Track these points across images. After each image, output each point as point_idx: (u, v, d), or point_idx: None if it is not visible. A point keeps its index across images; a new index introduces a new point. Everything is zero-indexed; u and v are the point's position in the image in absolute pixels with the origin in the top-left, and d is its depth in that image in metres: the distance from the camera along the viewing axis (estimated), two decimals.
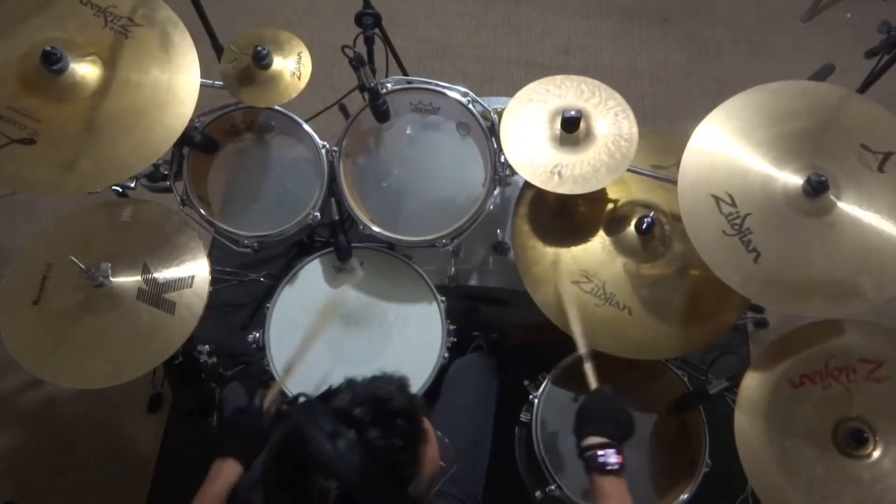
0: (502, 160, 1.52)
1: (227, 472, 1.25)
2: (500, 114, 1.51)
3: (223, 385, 1.81)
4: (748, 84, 1.34)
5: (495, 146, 1.55)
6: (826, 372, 1.31)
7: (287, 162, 1.70)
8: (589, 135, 1.44)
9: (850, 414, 1.28)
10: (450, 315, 1.63)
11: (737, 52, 2.77)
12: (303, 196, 1.62)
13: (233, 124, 1.66)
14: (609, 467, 1.15)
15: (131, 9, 1.39)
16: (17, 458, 2.16)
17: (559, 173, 1.41)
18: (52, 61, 1.30)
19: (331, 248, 1.66)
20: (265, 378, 1.58)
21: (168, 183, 1.62)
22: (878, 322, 1.34)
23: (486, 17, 2.84)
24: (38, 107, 1.32)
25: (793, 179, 1.27)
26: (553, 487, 1.50)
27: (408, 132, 1.67)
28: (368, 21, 1.72)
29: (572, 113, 1.40)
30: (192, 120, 1.47)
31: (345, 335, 1.62)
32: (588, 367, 1.31)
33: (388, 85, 1.58)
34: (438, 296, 1.64)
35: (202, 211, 1.61)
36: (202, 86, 1.39)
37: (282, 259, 2.27)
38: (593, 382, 1.30)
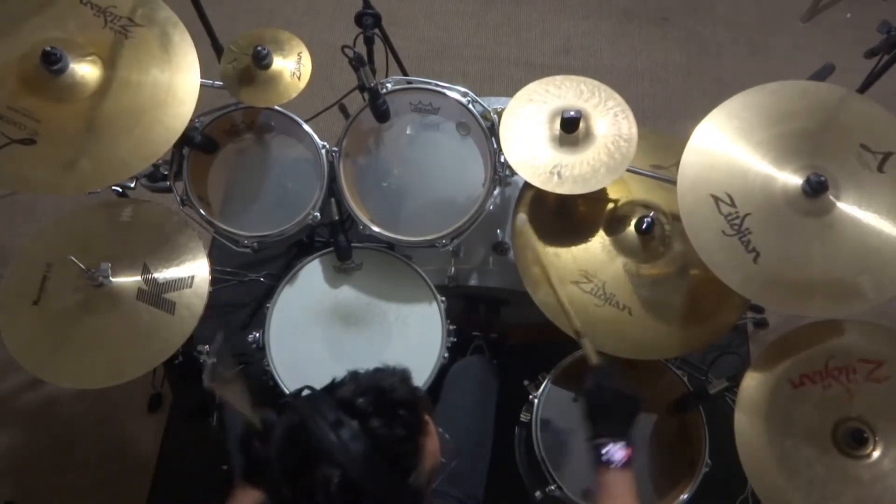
0: (502, 160, 1.52)
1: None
2: (499, 114, 1.51)
3: None
4: (748, 84, 1.34)
5: (495, 146, 1.55)
6: (826, 372, 1.31)
7: (287, 162, 1.70)
8: (588, 135, 1.44)
9: (850, 414, 1.28)
10: (450, 315, 1.63)
11: (737, 52, 2.77)
12: (303, 196, 1.62)
13: (233, 124, 1.67)
14: (613, 464, 1.17)
15: (131, 9, 1.39)
16: (17, 458, 2.16)
17: (559, 173, 1.41)
18: (52, 61, 1.30)
19: (331, 248, 1.66)
20: (265, 378, 1.58)
21: (168, 183, 1.62)
22: (878, 322, 1.34)
23: (486, 17, 2.84)
24: (38, 107, 1.32)
25: (792, 179, 1.27)
26: (553, 487, 1.50)
27: (408, 132, 1.67)
28: (368, 21, 1.72)
29: (572, 113, 1.40)
30: (192, 120, 1.47)
31: (345, 335, 1.62)
32: (586, 343, 1.30)
33: (388, 85, 1.58)
34: (438, 296, 1.64)
35: (202, 211, 1.61)
36: (202, 86, 1.40)
37: (282, 259, 2.27)
38: (593, 358, 1.29)
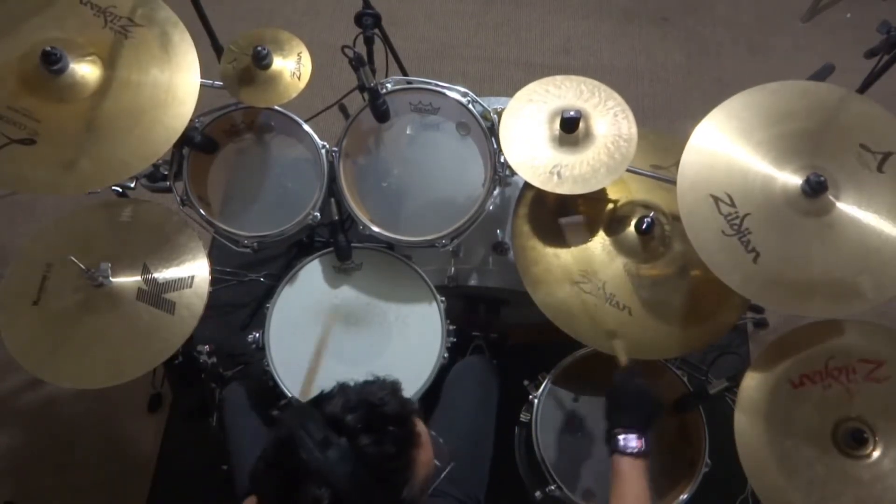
0: (502, 160, 1.52)
1: None
2: (499, 114, 1.51)
3: (223, 385, 1.81)
4: (748, 84, 1.34)
5: (495, 146, 1.55)
6: (826, 372, 1.31)
7: (287, 162, 1.70)
8: (588, 135, 1.44)
9: (849, 414, 1.28)
10: (450, 315, 1.63)
11: (737, 52, 2.78)
12: (303, 196, 1.62)
13: (233, 124, 1.67)
14: (629, 451, 1.24)
15: (131, 9, 1.39)
16: (17, 458, 2.16)
17: (558, 173, 1.41)
18: (52, 61, 1.30)
19: (331, 248, 1.66)
20: (265, 378, 1.58)
21: (168, 183, 1.62)
22: (878, 322, 1.34)
23: (486, 17, 2.84)
24: (38, 107, 1.32)
25: (792, 179, 1.27)
26: (553, 487, 1.50)
27: (408, 132, 1.67)
28: (368, 21, 1.73)
29: (571, 113, 1.40)
30: (192, 120, 1.47)
31: (345, 335, 1.62)
32: (618, 344, 1.39)
33: (388, 85, 1.58)
34: (438, 296, 1.64)
35: (202, 211, 1.61)
36: (202, 86, 1.39)
37: (282, 259, 2.27)
38: (623, 358, 1.38)
